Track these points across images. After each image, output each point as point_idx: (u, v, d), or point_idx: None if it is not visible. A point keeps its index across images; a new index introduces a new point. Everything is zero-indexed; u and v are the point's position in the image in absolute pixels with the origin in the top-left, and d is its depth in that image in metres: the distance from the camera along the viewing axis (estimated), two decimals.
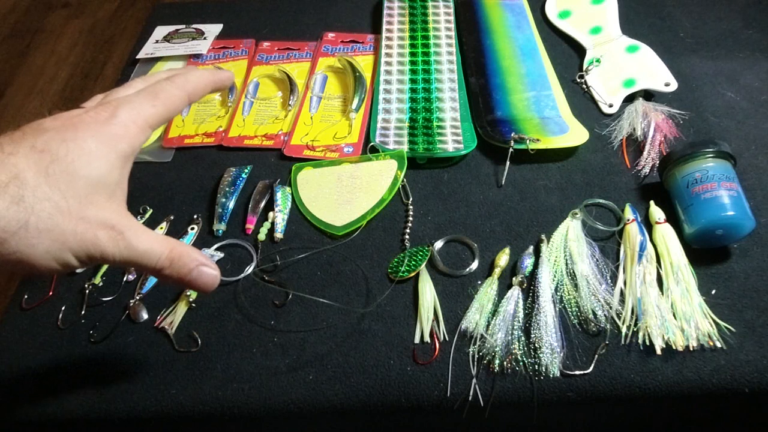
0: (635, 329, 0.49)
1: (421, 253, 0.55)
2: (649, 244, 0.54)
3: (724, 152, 0.54)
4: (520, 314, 0.51)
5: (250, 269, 0.56)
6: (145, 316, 0.54)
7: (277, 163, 0.66)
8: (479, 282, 0.54)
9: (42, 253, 0.31)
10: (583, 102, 0.69)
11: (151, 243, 0.35)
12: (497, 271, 0.54)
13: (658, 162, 0.60)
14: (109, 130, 0.35)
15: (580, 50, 0.75)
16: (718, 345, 0.48)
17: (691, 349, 0.48)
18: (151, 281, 0.56)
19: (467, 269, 0.55)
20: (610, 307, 0.50)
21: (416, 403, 0.48)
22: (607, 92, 0.69)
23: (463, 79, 0.72)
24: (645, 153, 0.62)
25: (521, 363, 0.48)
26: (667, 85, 0.67)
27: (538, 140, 0.61)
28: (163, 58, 0.79)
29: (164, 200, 0.63)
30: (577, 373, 0.48)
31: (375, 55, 0.76)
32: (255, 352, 0.51)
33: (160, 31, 0.83)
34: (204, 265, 0.37)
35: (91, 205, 0.33)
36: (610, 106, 0.68)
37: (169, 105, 0.39)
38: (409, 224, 0.58)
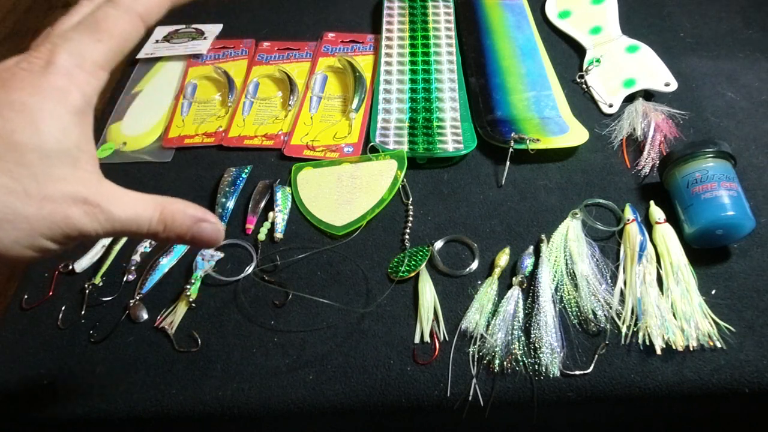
0: (635, 329, 0.49)
1: (421, 253, 0.55)
2: (649, 244, 0.54)
3: (724, 152, 0.54)
4: (520, 314, 0.51)
5: (250, 269, 0.56)
6: (145, 316, 0.54)
7: (277, 163, 0.66)
8: (479, 282, 0.54)
9: (11, 244, 0.27)
10: (583, 102, 0.69)
11: (135, 209, 0.30)
12: (497, 271, 0.54)
13: (658, 162, 0.60)
14: (50, 82, 0.28)
15: (580, 50, 0.75)
16: (718, 345, 0.48)
17: (691, 349, 0.48)
18: (151, 281, 0.56)
19: (467, 269, 0.55)
20: (610, 307, 0.50)
21: (416, 403, 0.48)
22: (607, 92, 0.69)
23: (463, 79, 0.72)
24: (645, 153, 0.62)
25: (521, 363, 0.48)
26: (667, 85, 0.67)
27: (538, 140, 0.61)
28: (163, 58, 0.79)
29: None
30: (577, 373, 0.48)
31: (375, 55, 0.76)
32: (255, 352, 0.51)
33: (160, 31, 0.83)
34: (202, 220, 0.33)
35: (53, 181, 0.28)
36: (610, 106, 0.68)
37: (118, 36, 0.31)
38: (409, 224, 0.58)
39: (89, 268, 0.58)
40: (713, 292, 0.52)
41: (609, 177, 0.61)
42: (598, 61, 0.72)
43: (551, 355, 0.48)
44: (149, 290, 0.55)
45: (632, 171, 0.62)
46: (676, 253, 0.52)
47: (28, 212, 0.27)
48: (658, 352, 0.48)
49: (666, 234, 0.54)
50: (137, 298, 0.54)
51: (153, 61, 0.79)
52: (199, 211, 0.33)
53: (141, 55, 0.79)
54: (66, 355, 0.51)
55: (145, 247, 0.58)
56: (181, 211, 0.32)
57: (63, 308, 0.54)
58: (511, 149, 0.61)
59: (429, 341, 0.50)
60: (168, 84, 0.76)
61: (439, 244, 0.57)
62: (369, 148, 0.65)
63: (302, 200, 0.61)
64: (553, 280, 0.52)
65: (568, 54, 0.75)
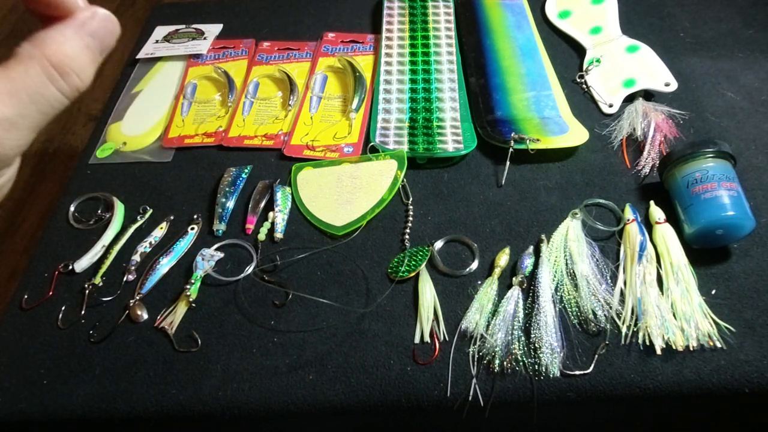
0: (635, 329, 0.49)
1: (421, 253, 0.55)
2: (649, 244, 0.54)
3: (724, 152, 0.54)
4: (520, 314, 0.50)
5: (250, 269, 0.56)
6: (145, 316, 0.53)
7: (277, 163, 0.66)
8: (479, 282, 0.54)
9: None
10: (583, 102, 0.69)
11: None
12: (497, 271, 0.54)
13: (658, 162, 0.60)
14: None
15: (580, 50, 0.75)
16: (718, 345, 0.48)
17: (691, 349, 0.48)
18: (151, 281, 0.56)
19: (467, 269, 0.55)
20: (610, 307, 0.50)
21: (416, 403, 0.48)
22: (607, 92, 0.69)
23: (463, 79, 0.72)
24: (645, 153, 0.62)
25: (521, 363, 0.48)
26: (667, 85, 0.67)
27: (538, 140, 0.61)
28: (163, 58, 0.79)
29: (164, 200, 0.63)
30: (577, 373, 0.48)
31: (375, 55, 0.76)
32: (255, 352, 0.51)
33: (160, 31, 0.83)
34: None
35: None
36: (610, 106, 0.68)
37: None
38: (409, 224, 0.58)
39: (89, 268, 0.58)
40: (713, 292, 0.52)
41: (609, 177, 0.61)
42: (598, 61, 0.72)
43: (551, 355, 0.48)
44: (149, 290, 0.55)
45: (632, 171, 0.62)
46: (676, 253, 0.52)
47: None
48: (658, 352, 0.48)
49: (666, 234, 0.54)
50: (137, 298, 0.54)
51: (153, 61, 0.79)
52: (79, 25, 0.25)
53: (141, 55, 0.79)
54: (66, 355, 0.51)
55: (145, 247, 0.58)
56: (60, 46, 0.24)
57: (63, 308, 0.54)
58: (511, 149, 0.61)
59: (429, 341, 0.50)
60: (168, 84, 0.76)
61: (439, 244, 0.57)
62: (369, 148, 0.65)
63: (302, 200, 0.61)
64: (553, 280, 0.52)
65: (568, 54, 0.75)
